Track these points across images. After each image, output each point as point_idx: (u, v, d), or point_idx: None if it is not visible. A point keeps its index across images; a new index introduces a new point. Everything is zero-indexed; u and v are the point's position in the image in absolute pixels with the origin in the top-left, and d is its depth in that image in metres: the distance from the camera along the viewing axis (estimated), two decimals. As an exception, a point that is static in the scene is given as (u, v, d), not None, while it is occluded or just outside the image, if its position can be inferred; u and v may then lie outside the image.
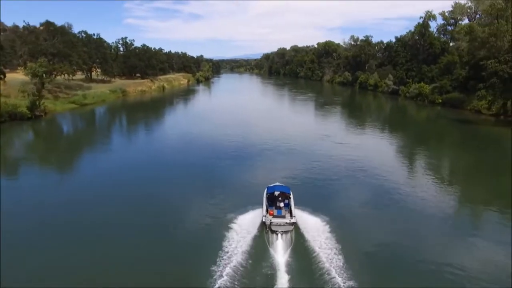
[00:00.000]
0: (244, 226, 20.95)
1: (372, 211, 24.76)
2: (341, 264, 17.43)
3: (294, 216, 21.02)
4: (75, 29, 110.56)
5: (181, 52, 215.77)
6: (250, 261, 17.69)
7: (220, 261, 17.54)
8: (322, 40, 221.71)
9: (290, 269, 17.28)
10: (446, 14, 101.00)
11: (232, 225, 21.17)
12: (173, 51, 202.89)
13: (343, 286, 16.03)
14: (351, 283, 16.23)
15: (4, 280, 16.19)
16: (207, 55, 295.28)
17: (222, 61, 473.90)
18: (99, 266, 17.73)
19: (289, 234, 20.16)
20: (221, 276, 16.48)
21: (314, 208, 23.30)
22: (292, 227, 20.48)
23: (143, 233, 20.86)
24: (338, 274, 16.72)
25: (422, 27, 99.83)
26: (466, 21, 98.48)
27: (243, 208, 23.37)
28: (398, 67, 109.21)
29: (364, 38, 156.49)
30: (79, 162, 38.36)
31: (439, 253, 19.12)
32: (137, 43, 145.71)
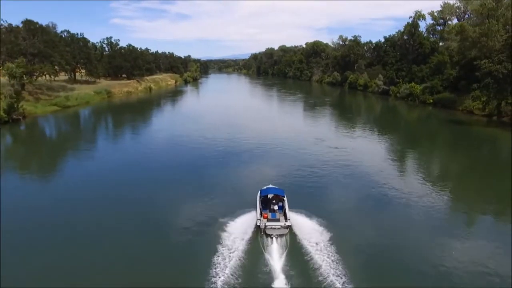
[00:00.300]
0: (238, 230, 20.55)
1: (366, 212, 24.57)
2: (338, 267, 17.32)
3: (289, 219, 20.61)
4: (60, 29, 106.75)
5: (168, 52, 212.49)
6: (246, 266, 17.41)
7: (216, 266, 17.27)
8: (310, 40, 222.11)
9: (287, 274, 16.97)
10: (435, 14, 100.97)
11: (226, 229, 20.76)
12: (160, 52, 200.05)
13: None
14: (349, 286, 16.11)
15: (4, 281, 16.37)
16: (195, 56, 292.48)
17: (210, 61, 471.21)
18: (91, 269, 17.57)
19: (284, 238, 19.79)
20: (217, 281, 16.26)
21: (308, 210, 22.93)
22: (287, 230, 20.10)
23: (137, 235, 20.69)
24: (335, 277, 16.64)
25: (412, 27, 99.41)
26: (455, 21, 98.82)
27: (236, 211, 22.90)
28: (388, 67, 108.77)
29: (352, 38, 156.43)
30: (61, 168, 36.23)
31: (437, 254, 19.06)
32: (124, 43, 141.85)
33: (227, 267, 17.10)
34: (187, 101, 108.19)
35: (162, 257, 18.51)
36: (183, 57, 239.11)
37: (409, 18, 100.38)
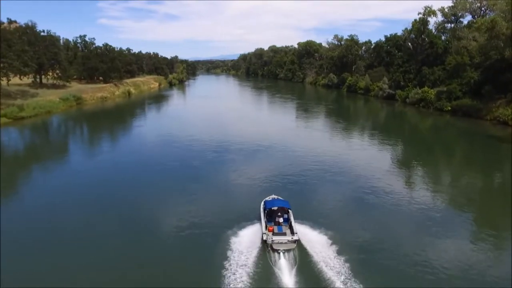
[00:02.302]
0: (244, 245, 19.52)
1: (375, 224, 23.17)
2: (352, 281, 16.44)
3: (296, 233, 19.74)
4: (40, 29, 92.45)
5: (153, 52, 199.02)
6: (257, 282, 16.46)
7: (227, 282, 16.45)
8: (298, 40, 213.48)
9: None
10: (446, 10, 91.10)
11: (232, 244, 19.64)
12: (144, 52, 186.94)
13: None
14: None
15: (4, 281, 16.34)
16: (182, 56, 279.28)
17: (198, 62, 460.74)
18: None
19: (292, 253, 18.89)
20: None
21: (314, 222, 22.20)
22: (295, 244, 19.24)
23: (138, 251, 19.37)
24: None
25: (421, 24, 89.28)
26: (468, 17, 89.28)
27: (240, 223, 22.09)
28: (393, 69, 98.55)
29: (349, 37, 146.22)
30: None
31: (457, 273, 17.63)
32: (112, 44, 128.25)
33: (238, 284, 16.31)
34: (170, 110, 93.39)
35: (167, 275, 17.48)
36: (169, 58, 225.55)
37: (418, 14, 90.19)
